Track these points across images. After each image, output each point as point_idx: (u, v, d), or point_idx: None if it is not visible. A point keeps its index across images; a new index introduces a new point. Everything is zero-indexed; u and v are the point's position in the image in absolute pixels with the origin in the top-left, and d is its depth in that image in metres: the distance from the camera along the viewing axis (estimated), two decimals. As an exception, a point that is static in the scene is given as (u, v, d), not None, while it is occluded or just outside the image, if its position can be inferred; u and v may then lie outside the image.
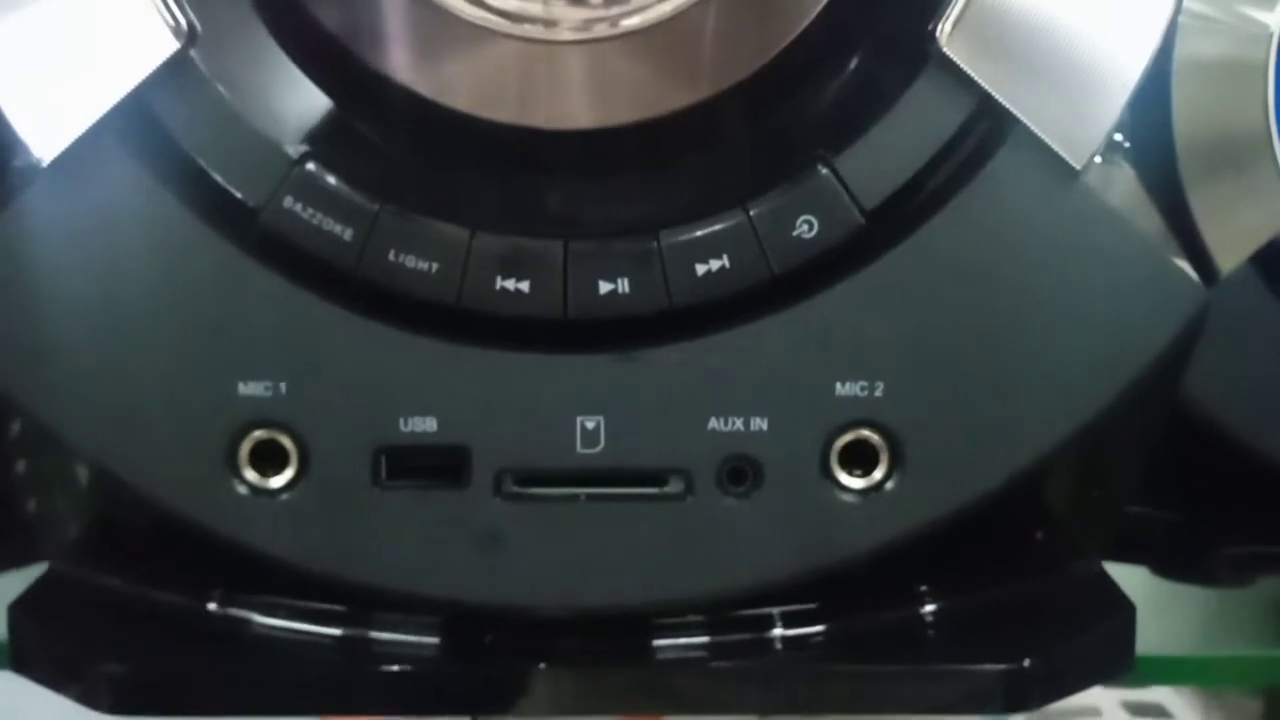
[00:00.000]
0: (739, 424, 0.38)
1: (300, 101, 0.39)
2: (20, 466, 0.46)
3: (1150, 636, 0.49)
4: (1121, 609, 0.41)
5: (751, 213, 0.38)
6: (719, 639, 0.40)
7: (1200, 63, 0.45)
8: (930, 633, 0.41)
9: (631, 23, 0.37)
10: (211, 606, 0.41)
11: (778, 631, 0.41)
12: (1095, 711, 0.71)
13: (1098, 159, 0.38)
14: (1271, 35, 0.45)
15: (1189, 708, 0.71)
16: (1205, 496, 0.51)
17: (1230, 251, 0.46)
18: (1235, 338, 0.47)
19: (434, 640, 0.40)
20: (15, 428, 0.45)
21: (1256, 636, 0.55)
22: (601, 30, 0.37)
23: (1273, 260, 0.47)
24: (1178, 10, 0.43)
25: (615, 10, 0.37)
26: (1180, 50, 0.45)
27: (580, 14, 0.37)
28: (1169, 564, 0.53)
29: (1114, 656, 0.40)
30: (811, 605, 0.40)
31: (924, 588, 0.41)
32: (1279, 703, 0.68)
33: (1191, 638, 0.54)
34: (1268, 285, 0.48)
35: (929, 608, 0.41)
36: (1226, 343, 0.47)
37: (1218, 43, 0.45)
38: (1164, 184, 0.45)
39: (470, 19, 0.37)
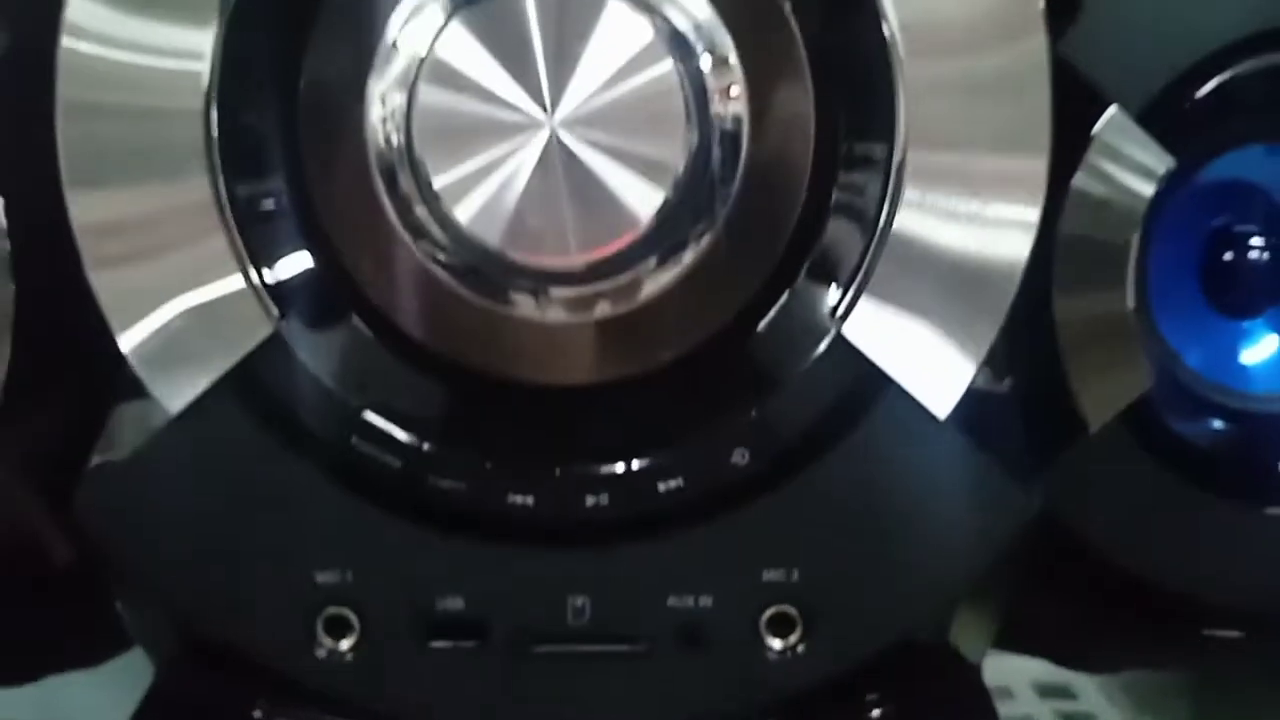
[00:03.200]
0: (690, 601, 0.47)
1: (359, 359, 0.47)
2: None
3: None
4: (986, 714, 0.51)
5: (699, 446, 0.47)
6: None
7: (1075, 244, 0.51)
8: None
9: (610, 310, 0.46)
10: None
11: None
12: (1007, 693, 0.75)
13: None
14: (1139, 213, 0.52)
15: (1098, 688, 0.75)
16: (1090, 601, 0.58)
17: (1099, 412, 0.53)
18: (1103, 476, 0.54)
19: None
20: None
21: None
22: (582, 315, 0.46)
23: (1136, 415, 0.54)
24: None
25: (599, 294, 0.46)
26: (1061, 229, 0.51)
27: (569, 293, 0.46)
28: (1059, 655, 0.62)
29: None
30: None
31: (843, 699, 0.50)
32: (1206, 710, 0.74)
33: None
34: (1134, 436, 0.54)
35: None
36: (1095, 481, 0.54)
37: (1092, 222, 0.51)
38: (1045, 355, 0.52)
39: (474, 303, 0.46)
